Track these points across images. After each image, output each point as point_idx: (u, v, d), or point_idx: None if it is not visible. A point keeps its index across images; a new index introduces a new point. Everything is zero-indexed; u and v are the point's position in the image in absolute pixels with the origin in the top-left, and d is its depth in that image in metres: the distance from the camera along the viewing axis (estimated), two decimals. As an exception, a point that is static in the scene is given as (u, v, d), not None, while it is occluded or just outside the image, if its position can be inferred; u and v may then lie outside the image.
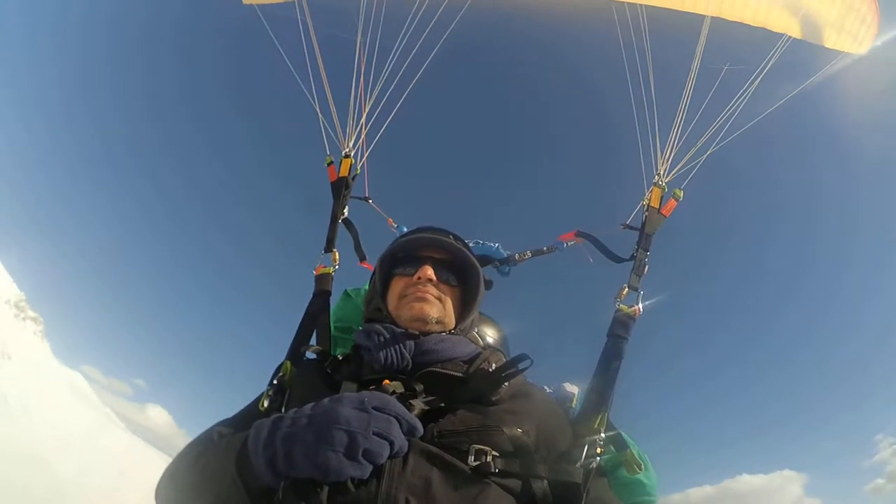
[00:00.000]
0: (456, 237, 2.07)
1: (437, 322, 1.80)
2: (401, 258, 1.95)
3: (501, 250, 2.74)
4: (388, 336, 1.69)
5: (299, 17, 2.92)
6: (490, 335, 2.68)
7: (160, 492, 1.60)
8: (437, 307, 1.83)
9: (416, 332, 1.73)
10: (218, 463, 1.38)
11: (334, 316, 2.68)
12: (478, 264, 1.97)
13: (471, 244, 2.80)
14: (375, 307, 1.94)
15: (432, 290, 1.84)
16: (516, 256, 2.71)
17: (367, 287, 2.75)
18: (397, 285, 1.90)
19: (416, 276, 1.85)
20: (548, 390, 2.37)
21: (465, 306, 1.93)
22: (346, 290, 2.78)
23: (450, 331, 1.84)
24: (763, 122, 2.80)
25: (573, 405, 2.17)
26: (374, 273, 2.02)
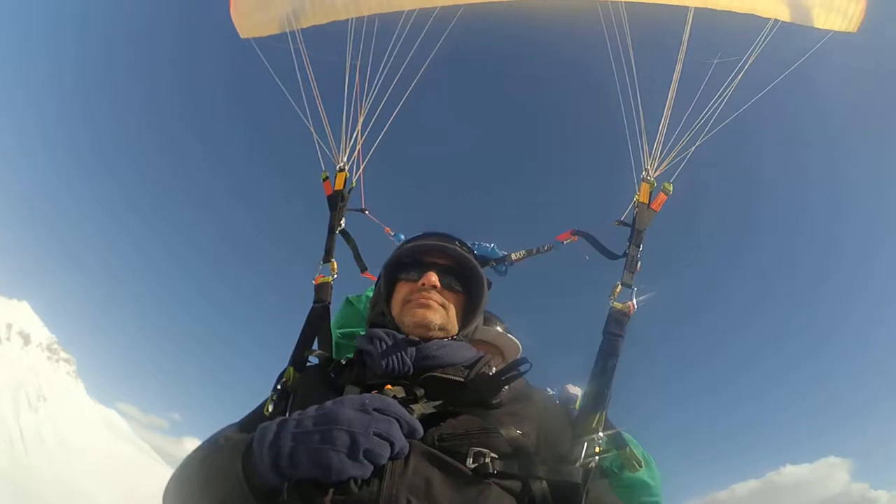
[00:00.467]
0: (461, 243, 2.11)
1: (439, 329, 1.84)
2: (406, 263, 1.99)
3: (497, 250, 2.77)
4: (389, 341, 1.73)
5: (292, 46, 3.07)
6: (499, 327, 2.81)
7: (168, 493, 1.66)
8: (441, 314, 1.86)
9: (418, 338, 1.76)
10: (224, 465, 1.43)
11: (337, 323, 2.76)
12: (482, 271, 2.00)
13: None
14: (379, 311, 1.99)
15: (436, 296, 1.87)
16: (512, 256, 2.74)
17: (368, 293, 2.82)
18: (401, 290, 1.94)
19: (420, 282, 1.88)
20: (550, 392, 2.39)
21: (468, 312, 1.96)
22: (347, 298, 2.89)
23: (452, 337, 1.88)
24: (754, 108, 2.74)
25: (576, 406, 2.18)
26: (379, 277, 2.07)
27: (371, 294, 2.82)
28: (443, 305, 1.88)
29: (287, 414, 1.73)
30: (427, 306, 1.84)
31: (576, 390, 2.30)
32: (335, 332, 2.60)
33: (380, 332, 1.78)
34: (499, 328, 2.82)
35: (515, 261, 2.74)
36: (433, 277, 1.88)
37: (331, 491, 1.27)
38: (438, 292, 1.88)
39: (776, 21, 2.66)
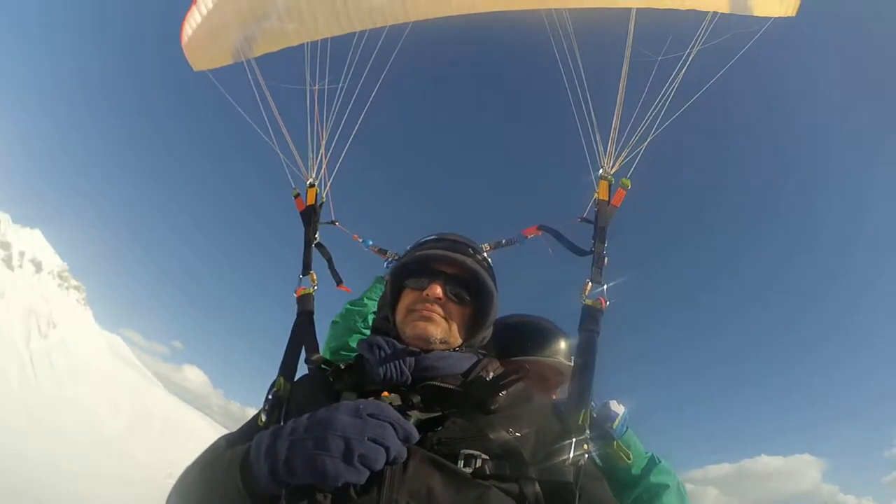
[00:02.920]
0: (475, 249, 2.07)
1: (440, 342, 1.81)
2: (413, 270, 1.94)
3: None
4: (389, 350, 1.72)
5: (249, 74, 3.11)
6: (563, 345, 2.67)
7: (170, 502, 1.66)
8: (442, 327, 1.83)
9: (419, 349, 1.75)
10: (223, 474, 1.44)
11: (328, 346, 2.81)
12: (492, 282, 1.95)
13: None
14: (384, 316, 1.98)
15: (439, 309, 1.84)
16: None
17: (349, 308, 2.89)
18: (407, 298, 1.91)
19: (424, 294, 1.85)
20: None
21: (475, 324, 1.93)
22: (333, 320, 2.93)
23: (455, 349, 1.85)
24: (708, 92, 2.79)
25: (614, 426, 2.03)
26: (386, 282, 2.05)
27: (349, 313, 2.89)
28: (446, 318, 1.84)
29: (281, 422, 1.75)
30: (429, 319, 1.81)
31: (619, 409, 2.11)
32: (327, 354, 2.63)
33: (380, 339, 1.77)
34: (562, 346, 2.67)
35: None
36: (437, 290, 1.84)
37: (329, 497, 1.29)
38: (443, 304, 1.85)
39: (715, 13, 2.72)
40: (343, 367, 1.86)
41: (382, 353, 1.71)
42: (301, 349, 2.16)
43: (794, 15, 2.85)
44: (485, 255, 2.12)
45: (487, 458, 1.44)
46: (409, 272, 1.95)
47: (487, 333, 1.99)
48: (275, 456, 1.30)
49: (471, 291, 1.91)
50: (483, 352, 1.96)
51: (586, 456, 1.60)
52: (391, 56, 3.20)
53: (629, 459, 1.80)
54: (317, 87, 3.10)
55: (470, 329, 1.91)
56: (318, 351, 2.16)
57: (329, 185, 2.95)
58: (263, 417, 1.82)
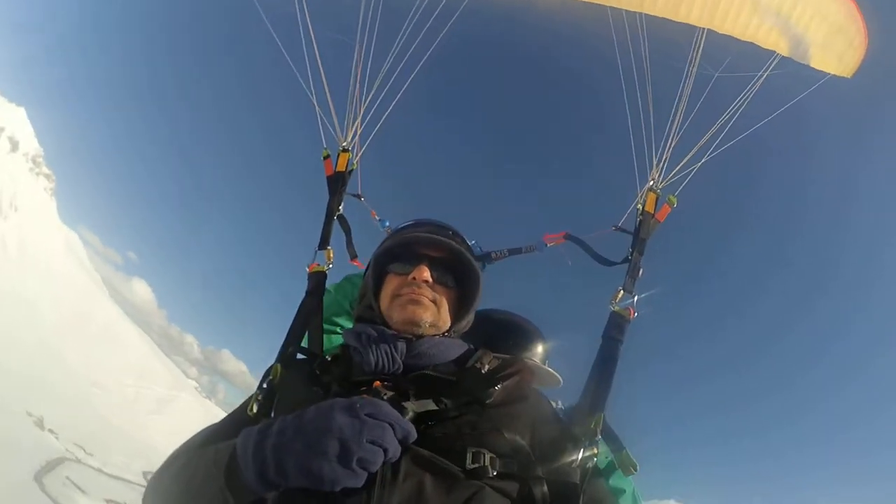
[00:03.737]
0: (455, 233, 2.00)
1: (430, 326, 1.74)
2: (397, 254, 1.86)
3: (478, 247, 2.76)
4: (378, 338, 1.64)
5: (298, 15, 2.89)
6: (540, 349, 2.68)
7: (146, 502, 1.59)
8: (431, 310, 1.75)
9: (409, 335, 1.68)
10: (206, 473, 1.36)
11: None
12: (477, 265, 1.90)
13: None
14: (367, 304, 1.87)
15: (427, 291, 1.76)
16: (492, 255, 2.67)
17: (345, 281, 2.69)
18: (391, 283, 1.82)
19: (410, 276, 1.76)
20: (560, 406, 2.34)
21: (461, 308, 1.86)
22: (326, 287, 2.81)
23: (443, 333, 1.79)
24: (759, 134, 2.84)
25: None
26: (367, 267, 1.96)
27: (349, 281, 2.69)
28: (434, 301, 1.77)
29: (272, 414, 1.67)
30: (418, 302, 1.73)
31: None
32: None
33: (368, 327, 1.69)
34: (539, 350, 2.68)
35: (496, 259, 2.68)
36: (425, 272, 1.76)
37: (318, 500, 1.22)
38: (430, 287, 1.77)
39: (776, 54, 2.75)
40: (330, 359, 1.80)
41: (372, 342, 1.63)
42: (304, 335, 2.04)
43: (849, 76, 2.89)
44: (464, 239, 2.05)
45: (494, 456, 1.39)
46: (393, 256, 1.87)
47: (471, 318, 1.92)
48: (264, 457, 1.21)
49: (456, 275, 1.86)
50: (472, 345, 1.89)
51: (594, 460, 1.59)
52: (445, 28, 3.04)
53: (635, 471, 1.80)
54: (364, 45, 2.92)
55: (456, 313, 1.84)
56: (321, 340, 2.04)
57: (361, 152, 2.75)
58: (255, 408, 1.69)
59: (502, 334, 2.63)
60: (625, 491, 2.07)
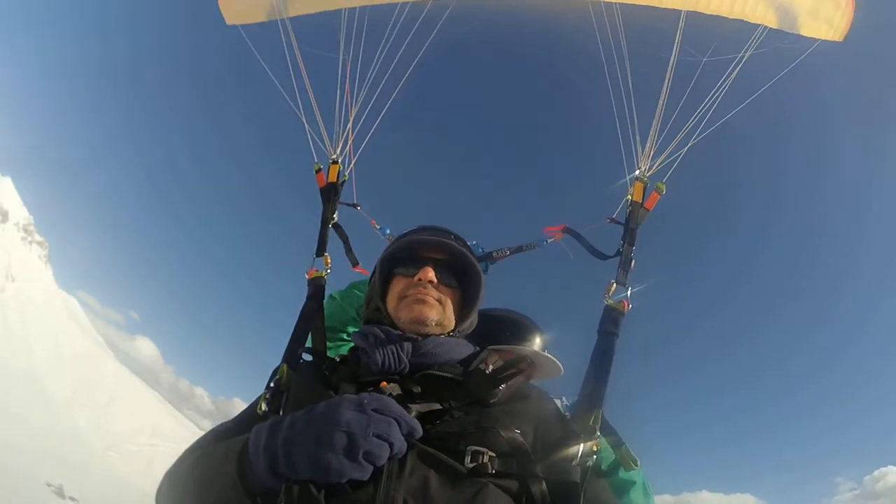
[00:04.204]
0: (457, 237, 2.06)
1: (436, 325, 1.80)
2: (402, 258, 1.93)
3: (480, 247, 2.72)
4: (385, 338, 1.69)
5: (283, 35, 2.99)
6: (538, 340, 2.63)
7: (160, 496, 1.63)
8: (437, 310, 1.81)
9: (415, 335, 1.73)
10: (218, 466, 1.40)
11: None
12: (479, 266, 1.95)
13: None
14: (374, 307, 1.93)
15: (433, 292, 1.82)
16: (494, 254, 2.71)
17: (356, 289, 2.78)
18: (397, 286, 1.89)
19: (416, 278, 1.83)
20: (565, 402, 2.29)
21: (464, 308, 1.92)
22: (331, 294, 2.79)
23: (448, 333, 1.84)
24: (745, 112, 2.81)
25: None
26: (373, 272, 2.02)
27: (355, 289, 2.78)
28: (439, 301, 1.83)
29: (281, 413, 1.72)
30: (424, 302, 1.80)
31: (564, 402, 2.14)
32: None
33: (375, 328, 1.75)
34: (537, 341, 2.67)
35: (498, 258, 2.72)
36: (430, 273, 1.83)
37: (326, 492, 1.25)
38: (435, 288, 1.84)
39: (764, 27, 2.74)
40: (338, 360, 1.84)
41: (379, 342, 1.69)
42: (307, 337, 2.11)
43: (840, 40, 2.89)
44: (465, 242, 2.12)
45: (494, 455, 1.41)
46: (398, 260, 1.94)
47: (475, 319, 1.98)
48: (275, 450, 1.27)
49: (458, 276, 1.92)
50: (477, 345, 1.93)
51: (594, 458, 1.60)
52: (430, 35, 3.11)
53: (636, 466, 1.77)
54: (350, 57, 3.00)
55: (460, 313, 1.90)
56: (324, 341, 2.11)
57: (353, 164, 2.87)
58: (264, 406, 1.77)
59: (500, 329, 2.59)
60: (635, 482, 2.05)
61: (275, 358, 1.98)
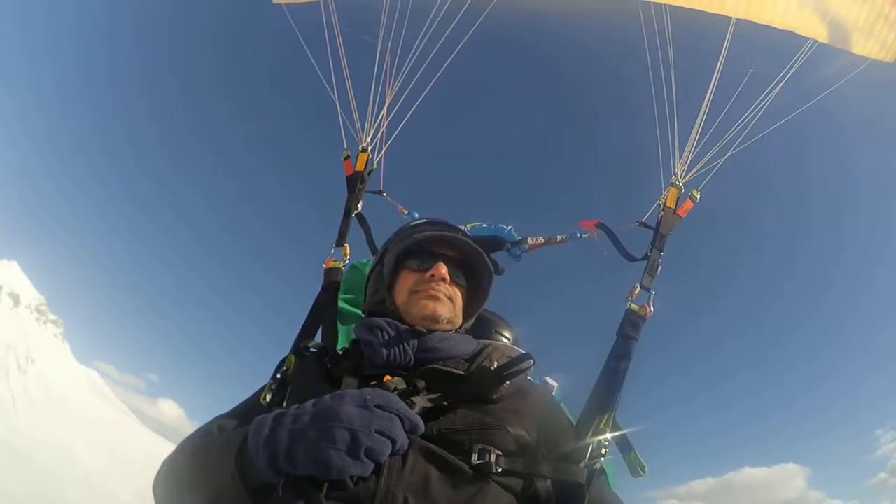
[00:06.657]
0: (465, 234, 2.03)
1: (447, 321, 1.78)
2: (413, 251, 1.89)
3: (514, 233, 2.71)
4: (392, 332, 1.67)
5: (324, 17, 2.96)
6: (507, 337, 2.64)
7: (157, 485, 1.60)
8: (448, 307, 1.80)
9: (422, 329, 1.70)
10: (217, 458, 1.38)
11: (342, 288, 2.67)
12: (490, 265, 1.93)
13: (483, 225, 2.78)
14: (380, 299, 1.90)
15: (445, 289, 1.81)
16: (529, 241, 2.68)
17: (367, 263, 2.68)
18: (408, 279, 1.85)
19: (429, 274, 1.81)
20: (552, 383, 2.33)
21: (470, 305, 1.91)
22: (352, 263, 2.74)
23: (455, 329, 1.83)
24: (788, 126, 2.77)
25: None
26: (377, 262, 2.00)
27: (353, 269, 2.71)
28: (450, 298, 1.81)
29: (284, 404, 1.68)
30: (436, 298, 1.78)
31: (553, 382, 2.22)
32: (341, 297, 2.47)
33: (381, 321, 1.71)
34: (506, 335, 2.68)
35: (532, 246, 2.70)
36: (444, 269, 1.81)
37: (326, 487, 1.22)
38: (447, 285, 1.82)
39: (815, 41, 2.68)
40: (341, 353, 1.79)
41: (385, 335, 1.66)
42: (318, 328, 2.09)
43: (891, 61, 2.81)
44: (473, 238, 2.05)
45: (501, 453, 1.39)
46: (409, 253, 1.89)
47: (478, 315, 1.98)
48: (275, 445, 1.23)
49: (467, 273, 1.91)
50: (486, 342, 1.90)
51: (602, 459, 1.59)
52: (472, 27, 3.07)
53: (644, 473, 1.77)
54: (390, 42, 2.97)
55: (466, 310, 1.89)
56: (336, 333, 2.08)
57: (383, 153, 2.84)
58: (268, 396, 1.74)
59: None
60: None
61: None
